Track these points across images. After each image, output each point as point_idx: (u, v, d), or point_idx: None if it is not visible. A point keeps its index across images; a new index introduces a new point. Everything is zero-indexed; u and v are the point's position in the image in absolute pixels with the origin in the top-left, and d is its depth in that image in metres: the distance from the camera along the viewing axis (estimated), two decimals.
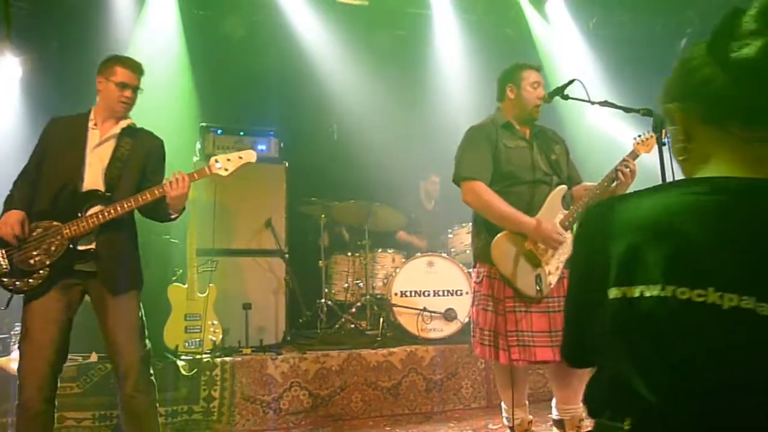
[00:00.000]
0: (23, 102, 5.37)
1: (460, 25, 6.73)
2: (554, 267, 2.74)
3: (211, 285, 4.10)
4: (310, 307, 5.11)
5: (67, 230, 2.63)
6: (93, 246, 2.68)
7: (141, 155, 2.84)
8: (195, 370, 3.78)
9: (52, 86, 5.38)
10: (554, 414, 2.88)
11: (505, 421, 2.92)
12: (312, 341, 4.72)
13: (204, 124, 4.80)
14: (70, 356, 3.49)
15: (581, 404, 2.82)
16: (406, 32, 6.84)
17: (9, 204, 2.70)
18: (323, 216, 5.26)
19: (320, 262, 5.21)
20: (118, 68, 2.80)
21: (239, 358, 3.94)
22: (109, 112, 2.84)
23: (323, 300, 5.06)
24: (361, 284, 5.13)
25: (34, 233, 2.64)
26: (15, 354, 3.63)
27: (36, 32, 5.49)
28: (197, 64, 6.11)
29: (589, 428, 1.05)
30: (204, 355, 3.92)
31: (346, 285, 5.25)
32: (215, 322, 4.04)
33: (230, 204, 4.57)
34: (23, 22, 5.33)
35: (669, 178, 2.30)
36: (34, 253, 2.62)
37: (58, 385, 2.70)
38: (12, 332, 3.97)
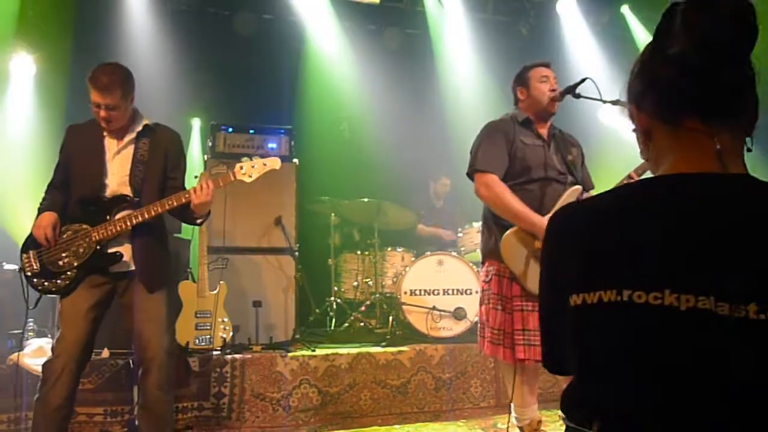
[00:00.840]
0: (36, 99, 5.41)
1: (472, 24, 6.72)
2: None
3: (221, 282, 4.12)
4: (319, 305, 5.13)
5: (96, 233, 2.74)
6: (123, 248, 2.78)
7: (160, 154, 2.91)
8: (205, 366, 3.80)
9: (65, 83, 5.42)
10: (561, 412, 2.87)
11: (514, 420, 2.92)
12: (321, 339, 4.73)
13: (214, 122, 4.81)
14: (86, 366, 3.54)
15: None
16: (418, 31, 6.85)
17: (41, 209, 2.83)
18: (333, 214, 5.28)
19: (330, 260, 5.22)
20: (90, 87, 2.76)
21: (249, 356, 3.95)
22: None
23: (333, 298, 5.08)
24: (370, 282, 5.13)
25: (65, 236, 2.76)
26: (28, 349, 3.67)
27: (49, 29, 5.53)
28: (209, 61, 6.13)
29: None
30: (214, 352, 3.93)
31: (355, 283, 5.26)
32: (225, 319, 4.06)
33: (241, 202, 4.59)
34: (37, 20, 5.37)
35: None
36: (63, 254, 2.74)
37: None
38: (26, 328, 4.01)
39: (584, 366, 0.96)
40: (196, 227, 4.08)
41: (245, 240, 4.59)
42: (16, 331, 4.00)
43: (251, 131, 4.80)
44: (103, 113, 2.76)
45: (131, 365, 3.58)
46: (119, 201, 2.80)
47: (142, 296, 2.78)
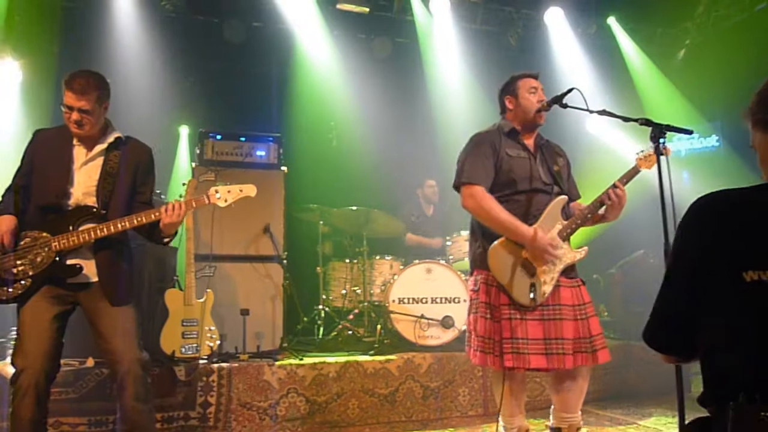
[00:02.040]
0: (23, 105, 5.37)
1: (460, 34, 6.77)
2: (549, 277, 2.74)
3: (208, 290, 4.09)
4: (307, 313, 5.10)
5: (56, 243, 2.63)
6: (83, 261, 2.68)
7: (130, 168, 2.83)
8: (191, 375, 3.77)
9: (51, 90, 5.39)
10: (551, 422, 2.88)
11: (502, 429, 2.91)
12: (309, 347, 4.71)
13: (203, 129, 4.79)
14: (66, 361, 3.50)
15: (579, 413, 2.82)
16: (407, 40, 6.88)
17: (0, 212, 2.69)
18: (321, 222, 5.27)
19: (318, 268, 5.21)
20: (65, 90, 2.70)
21: (236, 364, 3.92)
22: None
23: (321, 306, 5.06)
24: (358, 291, 5.12)
25: (22, 242, 2.64)
26: (10, 359, 3.62)
27: (36, 36, 5.50)
28: (198, 69, 6.12)
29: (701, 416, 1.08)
30: (201, 361, 3.90)
31: (343, 291, 5.25)
32: (212, 327, 4.03)
33: (228, 209, 4.53)
34: (24, 25, 5.34)
35: (666, 188, 2.29)
36: (19, 262, 2.61)
37: (55, 390, 2.68)
38: (9, 336, 3.96)
39: (752, 342, 1.01)
40: (183, 235, 4.07)
41: (233, 248, 4.56)
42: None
43: (240, 139, 4.78)
44: (75, 116, 2.67)
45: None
46: (84, 212, 2.69)
47: (106, 310, 2.68)
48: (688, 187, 5.96)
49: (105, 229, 2.64)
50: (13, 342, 3.88)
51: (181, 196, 4.08)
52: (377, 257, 5.24)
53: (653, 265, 5.31)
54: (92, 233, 2.64)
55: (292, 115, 6.24)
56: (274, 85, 6.37)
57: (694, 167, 6.33)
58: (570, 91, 2.78)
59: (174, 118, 6.10)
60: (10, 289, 2.60)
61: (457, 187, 2.89)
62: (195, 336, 3.96)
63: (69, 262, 2.66)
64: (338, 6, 6.41)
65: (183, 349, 3.92)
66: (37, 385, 2.55)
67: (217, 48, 6.28)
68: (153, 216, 2.69)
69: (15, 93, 5.37)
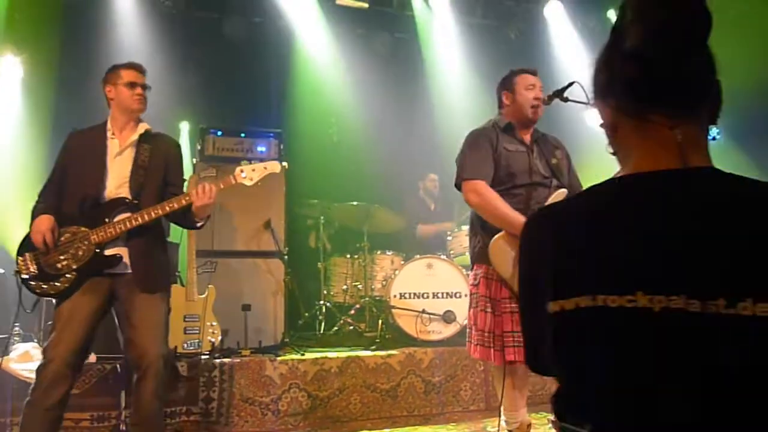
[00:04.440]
0: (24, 102, 5.37)
1: (460, 28, 6.76)
2: None
3: (210, 286, 4.10)
4: (309, 308, 5.12)
5: (95, 236, 2.72)
6: (120, 251, 2.76)
7: (160, 161, 2.93)
8: (193, 371, 3.78)
9: (52, 86, 5.39)
10: (553, 416, 2.88)
11: (504, 423, 2.92)
12: (311, 343, 4.72)
13: (203, 125, 4.79)
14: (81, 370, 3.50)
15: None
16: (407, 35, 6.87)
17: (37, 213, 2.79)
18: (322, 218, 5.27)
19: (319, 263, 5.22)
20: (122, 71, 2.90)
21: (238, 360, 3.93)
22: (125, 117, 2.93)
23: (322, 302, 5.07)
24: (360, 286, 5.13)
25: (62, 238, 2.73)
26: (14, 354, 3.63)
27: (37, 31, 5.50)
28: (198, 65, 6.12)
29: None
30: (203, 356, 3.91)
31: (345, 287, 5.26)
32: (214, 323, 4.04)
33: (230, 205, 4.57)
34: (24, 22, 5.33)
35: None
36: (62, 257, 2.71)
37: None
38: (11, 333, 3.97)
39: (570, 370, 0.97)
40: (185, 230, 4.07)
41: (234, 243, 4.57)
42: (1, 336, 3.97)
43: (241, 134, 4.78)
44: (139, 90, 2.88)
45: (118, 370, 3.56)
46: (118, 203, 2.78)
47: (139, 301, 2.74)
48: None
49: (139, 218, 2.73)
50: (16, 338, 3.91)
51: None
52: (378, 252, 5.25)
53: None
54: (127, 223, 2.72)
55: (292, 110, 6.24)
56: (274, 80, 6.37)
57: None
58: (571, 84, 2.78)
59: (175, 114, 6.09)
60: (57, 284, 2.69)
61: (458, 185, 2.89)
62: (197, 331, 3.97)
63: (108, 252, 2.75)
64: (338, 2, 6.41)
65: (185, 345, 3.93)
66: (64, 376, 2.61)
67: (217, 44, 6.27)
68: (184, 201, 2.77)
69: (16, 89, 5.37)
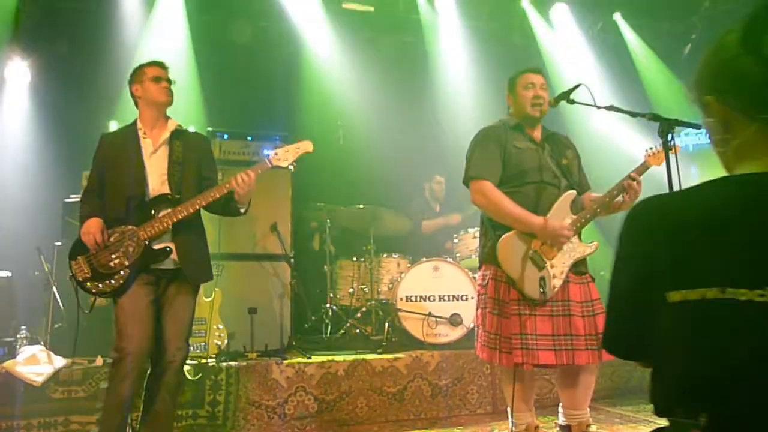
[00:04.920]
0: (32, 105, 5.40)
1: (466, 32, 6.75)
2: (559, 270, 2.73)
3: (216, 289, 4.10)
4: (315, 311, 5.11)
5: (143, 232, 2.80)
6: (168, 245, 2.85)
7: (194, 156, 3.03)
8: (200, 374, 3.78)
9: (60, 89, 5.42)
10: (560, 419, 2.87)
11: (511, 426, 2.91)
12: (317, 346, 4.71)
13: (210, 129, 4.81)
14: (75, 360, 3.54)
15: (587, 410, 2.81)
16: (412, 38, 6.87)
17: (83, 216, 2.88)
18: (329, 221, 5.27)
19: (325, 266, 5.22)
20: (146, 68, 3.02)
21: (244, 363, 3.93)
22: (154, 113, 3.01)
23: (328, 305, 5.06)
24: (366, 289, 5.12)
25: (112, 238, 2.81)
26: (21, 357, 3.64)
27: (44, 35, 5.53)
28: (204, 68, 6.13)
29: (661, 426, 1.05)
30: (209, 360, 3.91)
31: (351, 290, 5.25)
32: (220, 326, 4.04)
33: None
34: (32, 26, 5.37)
35: (675, 184, 2.29)
36: (113, 256, 2.79)
37: (64, 388, 2.78)
38: (18, 335, 3.98)
39: (689, 359, 0.97)
40: None
41: (241, 246, 4.58)
42: (8, 339, 3.98)
43: (247, 138, 4.80)
44: (165, 84, 2.99)
45: None
46: (161, 200, 2.87)
47: (177, 297, 2.87)
48: (696, 182, 5.90)
49: (183, 211, 2.81)
50: (23, 340, 3.92)
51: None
52: (384, 255, 5.24)
53: None
54: (174, 216, 2.81)
55: (299, 114, 6.24)
56: (280, 84, 6.37)
57: (702, 162, 6.29)
58: (577, 86, 2.78)
59: (181, 117, 6.09)
60: (112, 281, 2.78)
61: (466, 183, 2.89)
62: (203, 335, 3.97)
63: (157, 246, 2.83)
64: (344, 5, 6.41)
65: (191, 348, 3.92)
66: (140, 367, 2.77)
67: (224, 48, 6.29)
68: (225, 189, 2.86)
69: (24, 93, 5.40)
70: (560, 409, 2.88)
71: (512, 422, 2.90)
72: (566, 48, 6.85)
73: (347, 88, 6.43)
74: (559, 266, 2.73)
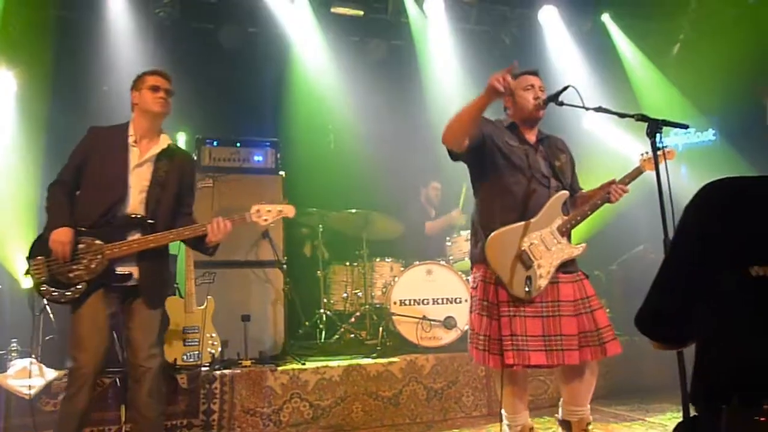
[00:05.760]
0: (18, 115, 5.36)
1: (455, 34, 6.77)
2: (546, 271, 2.73)
3: (209, 297, 4.08)
4: (309, 317, 5.10)
5: (109, 251, 2.78)
6: (131, 269, 2.84)
7: (176, 178, 3.00)
8: (194, 383, 3.75)
9: (47, 99, 5.38)
10: (560, 414, 2.88)
11: (506, 428, 2.91)
12: (311, 352, 4.70)
13: (199, 136, 4.79)
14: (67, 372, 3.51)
15: (588, 407, 2.81)
16: (402, 42, 6.88)
17: (54, 214, 2.82)
18: (321, 226, 5.26)
19: (318, 272, 5.20)
20: (147, 77, 3.01)
21: (238, 371, 3.91)
22: (147, 122, 2.97)
23: (322, 310, 5.05)
24: (359, 294, 5.12)
25: (77, 247, 2.78)
26: (11, 370, 3.61)
27: (30, 45, 5.49)
28: (194, 74, 6.11)
29: (691, 416, 1.04)
30: (203, 368, 3.89)
31: (344, 295, 5.24)
32: (214, 334, 4.02)
33: (227, 215, 4.55)
34: (17, 35, 5.33)
35: (664, 183, 2.29)
36: (75, 267, 2.77)
37: (56, 401, 2.77)
38: (8, 348, 3.94)
39: (759, 338, 0.97)
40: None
41: (232, 254, 4.55)
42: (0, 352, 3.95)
43: (237, 144, 4.77)
44: (161, 94, 2.95)
45: (118, 384, 3.53)
46: (135, 221, 2.84)
47: (141, 310, 2.86)
48: (686, 181, 5.95)
49: (154, 243, 2.81)
50: (13, 354, 3.89)
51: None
52: (377, 259, 5.24)
53: (654, 261, 5.30)
54: (142, 243, 2.80)
55: (289, 119, 6.23)
56: (270, 89, 6.36)
57: (691, 162, 6.33)
58: (566, 88, 2.79)
59: (170, 124, 6.05)
60: (68, 293, 2.76)
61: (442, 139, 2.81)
62: (196, 343, 3.95)
63: (119, 269, 2.82)
64: (333, 10, 6.42)
65: (185, 357, 3.90)
66: (93, 379, 2.76)
67: (212, 54, 6.26)
68: (200, 232, 2.88)
69: (10, 103, 5.36)
70: (560, 405, 2.88)
71: (507, 423, 2.90)
72: (554, 49, 6.88)
73: (337, 92, 6.44)
74: (546, 266, 2.74)
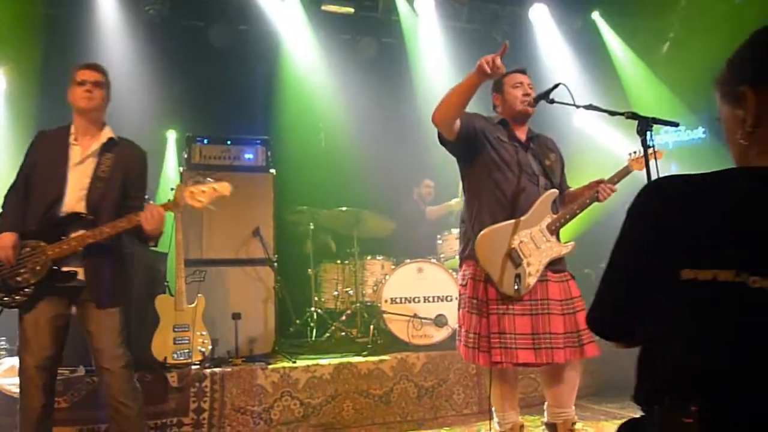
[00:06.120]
0: (7, 113, 5.31)
1: (446, 32, 6.77)
2: (535, 269, 2.74)
3: (199, 295, 4.06)
4: (300, 315, 5.09)
5: (51, 251, 2.72)
6: (76, 268, 2.77)
7: (121, 172, 2.89)
8: (184, 381, 3.74)
9: (35, 96, 5.34)
10: (546, 417, 2.88)
11: (496, 425, 2.91)
12: (302, 350, 4.69)
13: (190, 134, 4.77)
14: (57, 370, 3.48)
15: (573, 408, 2.82)
16: (393, 40, 6.88)
17: (2, 220, 2.79)
18: (312, 224, 5.25)
19: (309, 270, 5.19)
20: (75, 71, 2.89)
21: (229, 369, 3.90)
22: (82, 120, 2.89)
23: (313, 308, 5.04)
24: (350, 292, 5.11)
25: (23, 251, 2.74)
26: (0, 369, 3.58)
27: (19, 42, 5.45)
28: (183, 73, 6.08)
29: (635, 417, 1.03)
30: (193, 367, 3.88)
31: (335, 293, 5.24)
32: (204, 332, 4.00)
33: (218, 213, 4.53)
34: (6, 32, 5.28)
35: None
36: (22, 271, 2.73)
37: None
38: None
39: (688, 342, 0.95)
40: (173, 240, 4.04)
41: (223, 252, 4.54)
42: None
43: (227, 142, 4.75)
44: (87, 87, 2.82)
45: None
46: (74, 219, 2.77)
47: (95, 311, 2.79)
48: None
49: (91, 237, 2.72)
50: (2, 352, 3.86)
51: (169, 201, 4.06)
52: (368, 258, 5.23)
53: None
54: (80, 240, 2.72)
55: (279, 117, 6.22)
56: (261, 87, 6.34)
57: (681, 159, 6.37)
58: (556, 86, 2.79)
59: (161, 122, 6.06)
60: (18, 297, 2.73)
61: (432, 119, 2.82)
62: (187, 341, 3.93)
63: (64, 269, 2.75)
64: (323, 7, 6.41)
65: (175, 355, 3.89)
66: (41, 380, 2.71)
67: (203, 52, 6.24)
68: (133, 222, 2.75)
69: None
70: (545, 408, 2.89)
71: (497, 421, 2.91)
72: (546, 47, 6.90)
73: (327, 90, 6.43)
74: (535, 264, 2.74)
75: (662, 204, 1.03)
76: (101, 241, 2.74)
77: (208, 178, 2.96)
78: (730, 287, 0.90)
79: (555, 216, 2.83)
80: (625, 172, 2.95)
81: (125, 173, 2.90)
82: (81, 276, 2.78)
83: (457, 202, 5.61)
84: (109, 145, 2.90)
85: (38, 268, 2.72)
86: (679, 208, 1.00)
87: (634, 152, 2.97)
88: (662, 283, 0.97)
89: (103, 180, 2.82)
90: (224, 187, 2.94)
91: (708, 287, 0.92)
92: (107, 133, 2.92)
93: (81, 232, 2.74)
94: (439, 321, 4.57)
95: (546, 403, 2.89)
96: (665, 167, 2.41)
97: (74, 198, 2.79)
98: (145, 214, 2.74)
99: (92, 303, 2.78)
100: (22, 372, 2.72)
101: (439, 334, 4.58)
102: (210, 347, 4.01)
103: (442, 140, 2.86)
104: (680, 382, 0.95)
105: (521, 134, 2.96)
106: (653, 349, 1.02)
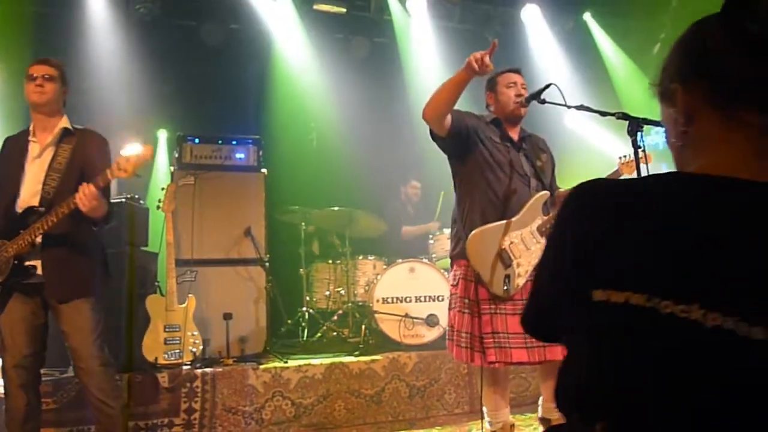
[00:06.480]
0: None
1: (438, 32, 6.78)
2: (524, 270, 2.75)
3: (190, 295, 4.05)
4: (291, 315, 5.08)
5: (11, 248, 2.72)
6: (35, 262, 2.75)
7: (79, 161, 2.83)
8: (175, 382, 3.73)
9: (25, 97, 5.29)
10: (540, 412, 2.90)
11: (488, 425, 2.92)
12: (294, 350, 4.69)
13: (181, 133, 4.75)
14: (46, 371, 3.48)
15: None
16: (385, 39, 6.88)
17: None
18: (303, 224, 5.24)
19: (301, 270, 5.19)
20: (29, 67, 2.87)
21: (220, 369, 3.89)
22: (38, 115, 2.88)
23: (305, 308, 5.04)
24: (342, 291, 5.11)
25: None
26: None
27: (9, 41, 5.41)
28: (174, 73, 6.06)
29: (560, 424, 0.98)
30: (184, 367, 3.86)
31: (327, 293, 5.23)
32: (195, 332, 3.99)
33: (209, 213, 4.53)
34: None
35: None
36: None
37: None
38: None
39: (597, 363, 0.89)
40: (164, 240, 4.03)
41: (214, 252, 4.53)
42: None
43: (218, 142, 4.74)
44: (38, 81, 2.79)
45: None
46: (29, 213, 2.74)
47: (60, 307, 2.76)
48: None
49: (40, 228, 2.67)
50: None
51: (160, 201, 4.05)
52: (360, 257, 5.23)
53: None
54: (32, 233, 2.69)
55: (271, 116, 6.20)
56: (252, 87, 6.33)
57: (672, 160, 6.40)
58: (548, 86, 2.80)
59: (152, 122, 6.03)
60: None
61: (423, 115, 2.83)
62: (178, 342, 3.92)
63: (27, 263, 2.74)
64: (315, 7, 6.40)
65: (166, 356, 3.87)
66: (21, 379, 2.71)
67: (194, 51, 6.22)
68: (72, 205, 2.63)
69: None
70: (540, 403, 2.90)
71: (488, 420, 2.91)
72: (538, 48, 6.92)
73: (319, 89, 6.43)
74: (525, 265, 2.75)
75: (582, 213, 0.93)
76: (54, 231, 2.68)
77: (128, 146, 2.75)
78: (642, 312, 0.82)
79: (545, 218, 2.83)
80: (615, 175, 2.98)
81: (84, 162, 2.83)
82: (39, 270, 2.75)
83: (434, 225, 5.63)
84: (66, 135, 2.87)
85: (2, 267, 2.72)
86: (599, 218, 0.90)
87: (625, 156, 2.99)
88: (574, 301, 0.91)
89: (58, 171, 2.79)
90: (147, 150, 2.72)
91: (620, 310, 0.84)
92: (62, 124, 2.88)
93: (37, 224, 2.71)
94: (431, 321, 4.58)
95: (541, 398, 2.91)
96: (656, 168, 2.42)
97: (30, 192, 2.78)
98: (79, 195, 2.60)
99: (53, 298, 2.76)
100: (4, 372, 2.74)
101: (431, 334, 4.58)
102: (201, 347, 4.00)
103: (434, 136, 2.87)
104: (587, 402, 0.90)
105: (514, 134, 2.97)
106: (566, 361, 0.96)
